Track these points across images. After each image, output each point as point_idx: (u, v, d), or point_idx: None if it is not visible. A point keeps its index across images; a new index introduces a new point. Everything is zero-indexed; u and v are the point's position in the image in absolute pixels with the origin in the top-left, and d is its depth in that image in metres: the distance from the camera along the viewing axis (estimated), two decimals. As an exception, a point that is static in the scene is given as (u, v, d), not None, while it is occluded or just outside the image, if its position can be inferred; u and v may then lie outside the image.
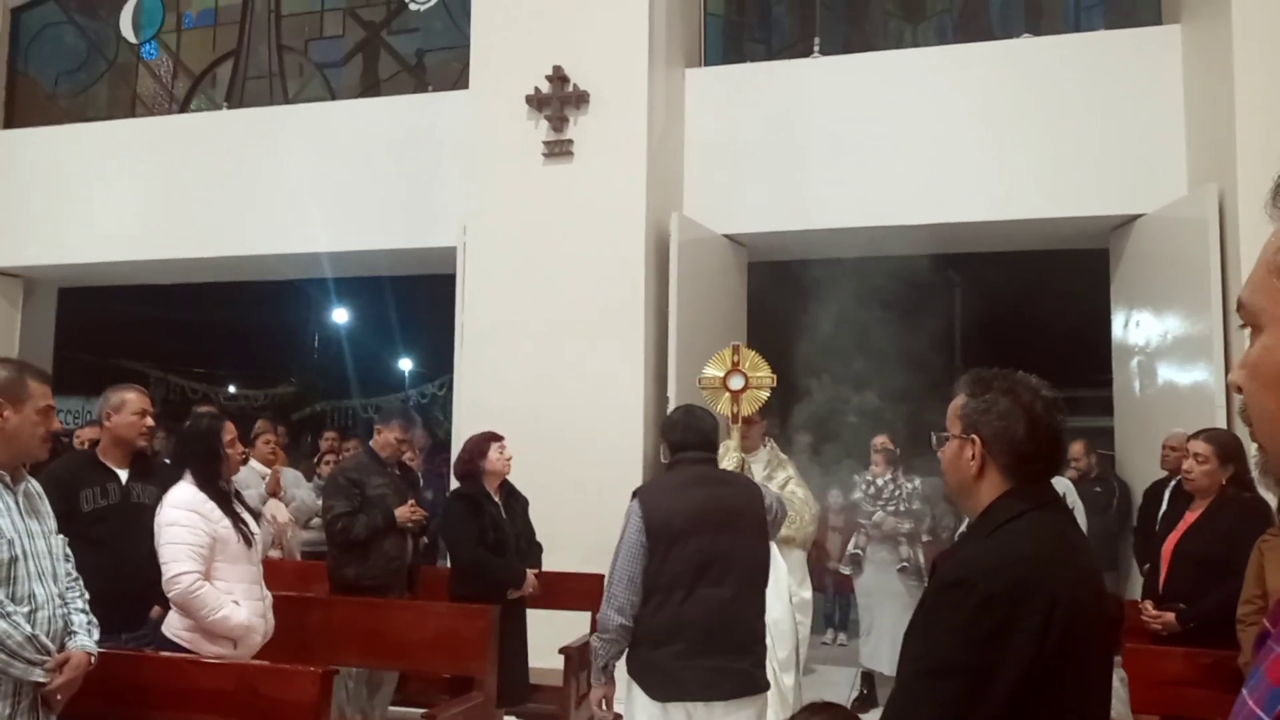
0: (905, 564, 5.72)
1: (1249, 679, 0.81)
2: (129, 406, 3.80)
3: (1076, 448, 6.25)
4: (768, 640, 4.45)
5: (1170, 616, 3.82)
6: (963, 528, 4.84)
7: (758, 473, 4.72)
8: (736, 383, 4.72)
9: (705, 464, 3.33)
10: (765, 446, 4.94)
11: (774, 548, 4.55)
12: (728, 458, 4.56)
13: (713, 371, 4.80)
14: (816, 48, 6.52)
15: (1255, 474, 0.82)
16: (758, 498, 3.39)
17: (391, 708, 4.75)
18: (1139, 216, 5.72)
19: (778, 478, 4.80)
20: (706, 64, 6.78)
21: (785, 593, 4.54)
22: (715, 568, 3.12)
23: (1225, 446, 3.85)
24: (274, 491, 5.67)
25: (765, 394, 4.71)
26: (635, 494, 3.29)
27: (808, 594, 4.78)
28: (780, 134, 6.17)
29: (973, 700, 1.53)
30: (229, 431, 3.56)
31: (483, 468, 4.55)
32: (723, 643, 3.11)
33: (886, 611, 5.71)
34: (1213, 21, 5.26)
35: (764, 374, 4.72)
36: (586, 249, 5.77)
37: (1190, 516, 3.91)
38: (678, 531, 3.13)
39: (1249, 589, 3.36)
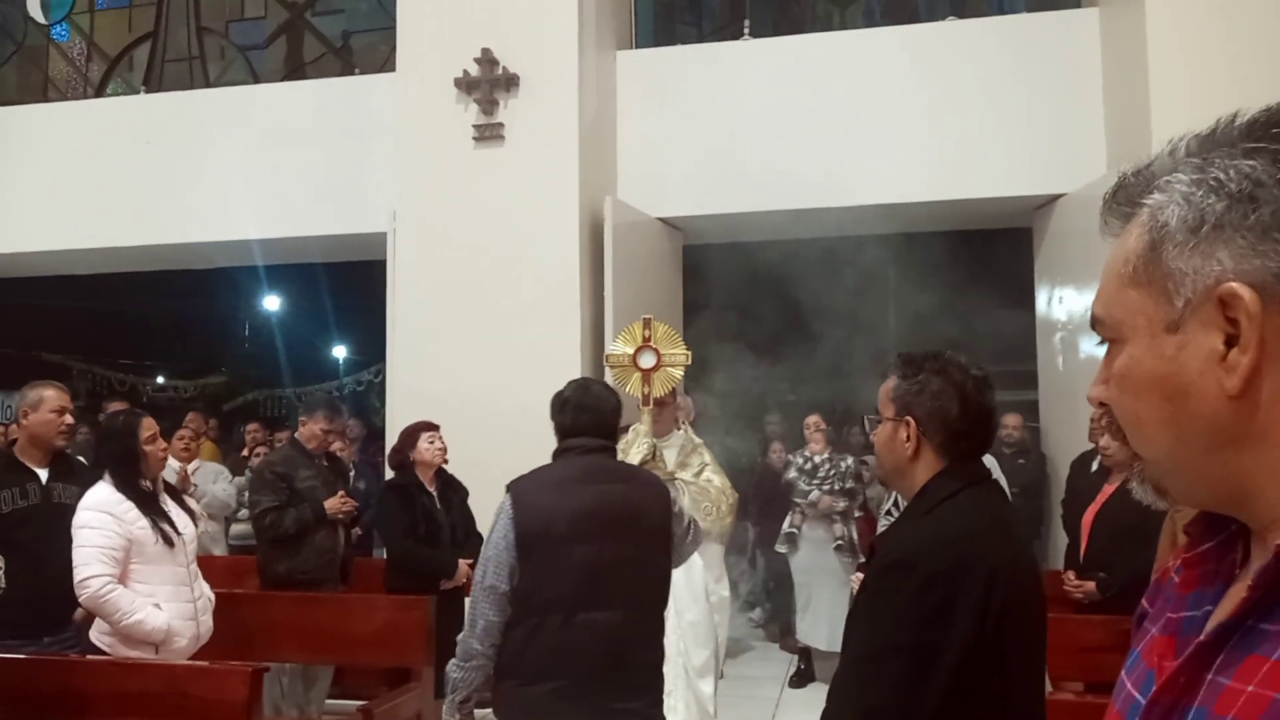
0: (841, 541, 5.82)
1: (1127, 660, 0.84)
2: (46, 404, 3.69)
3: (1013, 419, 6.41)
4: (680, 645, 4.08)
5: (1091, 585, 3.96)
6: (888, 504, 4.93)
7: (670, 459, 4.33)
8: (647, 360, 4.22)
9: (600, 454, 2.75)
10: (680, 430, 4.48)
11: None
12: (638, 443, 4.19)
13: (621, 348, 4.31)
14: (747, 30, 6.54)
15: (1134, 485, 0.84)
16: (664, 499, 2.80)
17: (329, 701, 4.71)
18: (1060, 196, 5.86)
19: (692, 464, 4.34)
20: (637, 46, 6.76)
21: (702, 592, 4.18)
22: (604, 585, 2.57)
23: None
24: (182, 488, 5.55)
25: (679, 373, 4.27)
26: (509, 487, 2.70)
27: (726, 591, 4.42)
28: (712, 116, 6.18)
29: (920, 679, 1.56)
30: (148, 428, 3.46)
31: (412, 458, 4.52)
32: (612, 679, 2.56)
33: (823, 589, 5.82)
34: (1128, 5, 5.39)
35: (678, 350, 4.27)
36: (519, 234, 5.73)
37: (1108, 489, 4.06)
38: (558, 538, 2.57)
39: (1162, 558, 3.49)
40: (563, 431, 2.79)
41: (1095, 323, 0.78)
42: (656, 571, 2.74)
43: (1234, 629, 0.67)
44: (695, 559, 4.07)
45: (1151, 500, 0.80)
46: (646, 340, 4.27)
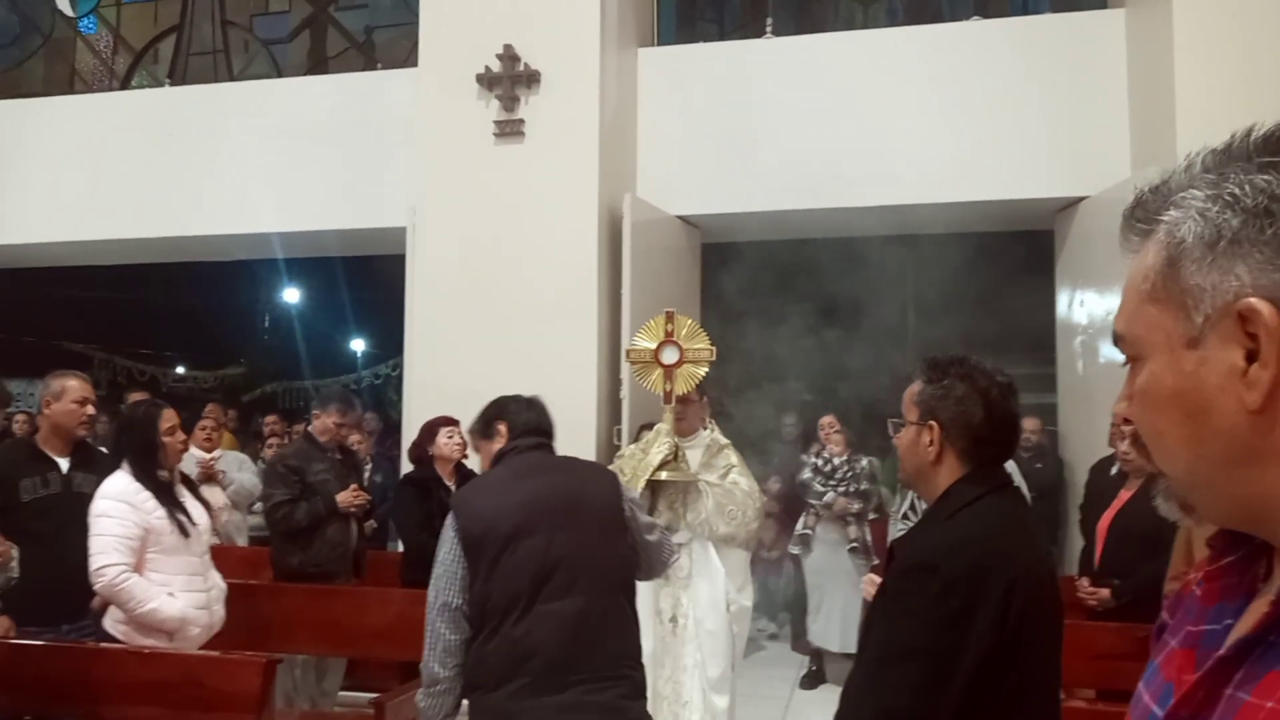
0: (855, 544, 5.81)
1: (1146, 672, 0.84)
2: (69, 394, 3.74)
3: (1032, 423, 6.37)
4: (698, 656, 3.88)
5: (1106, 592, 3.93)
6: (904, 506, 4.90)
7: (694, 460, 4.08)
8: (670, 356, 4.04)
9: (538, 450, 2.74)
10: (706, 430, 4.23)
11: (710, 548, 3.96)
12: (658, 442, 3.99)
13: (643, 342, 4.13)
14: (769, 28, 6.52)
15: (1159, 499, 0.84)
16: (610, 485, 2.75)
17: (341, 693, 4.74)
18: (1083, 199, 5.82)
19: (718, 466, 4.07)
20: (659, 44, 6.75)
21: (722, 601, 3.94)
22: (559, 574, 2.47)
23: None
24: (208, 477, 5.59)
25: (703, 370, 4.06)
26: (450, 500, 2.73)
27: (748, 601, 4.08)
28: (733, 115, 6.17)
29: (937, 683, 1.56)
30: (167, 419, 3.49)
31: (431, 452, 4.55)
32: (579, 670, 2.43)
33: (836, 590, 5.80)
34: (1155, 7, 5.34)
35: (702, 346, 4.07)
36: (538, 230, 5.74)
37: (1125, 494, 4.03)
38: (505, 536, 2.49)
39: (1176, 566, 3.47)
40: (512, 431, 2.77)
41: (1117, 340, 0.78)
42: (617, 557, 2.62)
43: (1255, 644, 0.67)
44: (718, 568, 3.93)
45: (1177, 517, 0.80)
46: (669, 335, 4.08)
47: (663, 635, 3.94)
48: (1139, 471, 3.98)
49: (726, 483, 4.02)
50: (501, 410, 2.82)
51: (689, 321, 4.15)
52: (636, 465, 3.97)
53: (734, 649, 3.99)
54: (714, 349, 4.12)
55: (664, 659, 3.93)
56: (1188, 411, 0.70)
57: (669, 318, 4.13)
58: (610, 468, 4.03)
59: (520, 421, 2.77)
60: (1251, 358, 0.66)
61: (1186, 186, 0.72)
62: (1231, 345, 0.67)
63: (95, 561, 3.26)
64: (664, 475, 3.92)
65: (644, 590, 3.71)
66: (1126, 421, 0.78)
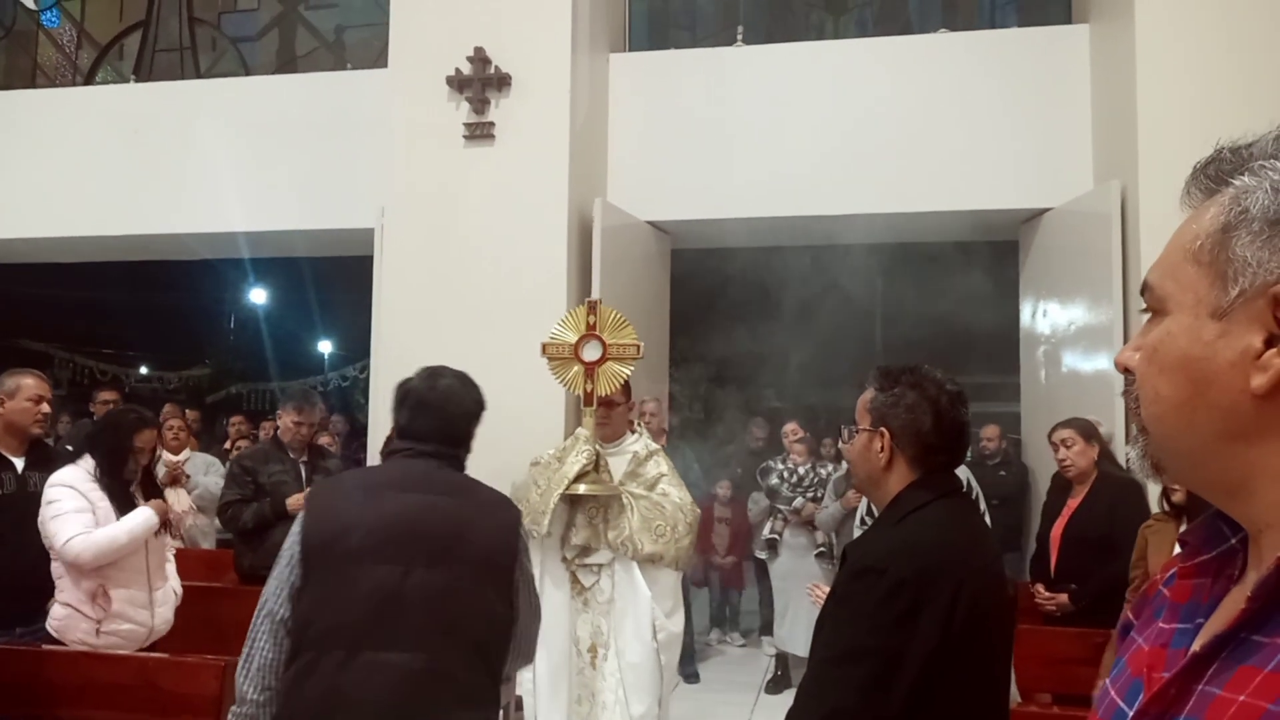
0: (822, 548, 5.84)
1: (1113, 668, 0.84)
2: (24, 392, 3.67)
3: (991, 430, 6.46)
4: (619, 692, 3.46)
5: (1064, 597, 4.01)
6: (863, 511, 4.95)
7: (619, 469, 3.61)
8: (592, 352, 3.56)
9: (430, 459, 2.17)
10: (634, 435, 3.76)
11: (634, 570, 3.50)
12: (576, 449, 3.53)
13: (563, 335, 3.64)
14: (740, 37, 6.56)
15: (1133, 457, 0.82)
16: (508, 526, 2.19)
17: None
18: (1046, 210, 5.90)
19: (646, 475, 3.60)
20: (630, 49, 6.77)
21: (648, 629, 3.46)
22: (404, 619, 2.00)
23: (1083, 428, 4.19)
24: (173, 479, 5.51)
25: (628, 369, 3.57)
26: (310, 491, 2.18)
27: (677, 626, 3.56)
28: (703, 122, 6.19)
29: (882, 683, 1.59)
30: (144, 440, 3.49)
31: None
32: None
33: (803, 595, 5.80)
34: (1119, 23, 5.43)
35: (627, 341, 3.57)
36: (508, 233, 5.73)
37: (1073, 502, 4.13)
38: (348, 553, 2.02)
39: (1134, 572, 3.54)
40: (397, 431, 2.24)
41: (1145, 289, 0.77)
42: (481, 610, 2.09)
43: (1229, 640, 0.67)
44: (643, 589, 3.47)
45: (1147, 475, 0.80)
46: (591, 328, 3.58)
47: (580, 668, 3.54)
48: (1082, 477, 4.09)
49: (654, 494, 3.55)
50: (392, 407, 2.25)
51: (613, 313, 3.67)
52: (552, 476, 3.53)
53: (662, 682, 3.52)
54: (641, 344, 3.63)
55: (581, 696, 3.53)
56: (1192, 379, 0.70)
57: (591, 308, 3.65)
58: (520, 481, 3.70)
59: (399, 422, 2.23)
60: (1271, 343, 0.66)
61: (1270, 156, 0.70)
62: (1255, 326, 0.67)
63: (58, 540, 3.25)
64: (582, 488, 3.47)
65: (559, 616, 3.46)
66: (1127, 371, 0.77)
